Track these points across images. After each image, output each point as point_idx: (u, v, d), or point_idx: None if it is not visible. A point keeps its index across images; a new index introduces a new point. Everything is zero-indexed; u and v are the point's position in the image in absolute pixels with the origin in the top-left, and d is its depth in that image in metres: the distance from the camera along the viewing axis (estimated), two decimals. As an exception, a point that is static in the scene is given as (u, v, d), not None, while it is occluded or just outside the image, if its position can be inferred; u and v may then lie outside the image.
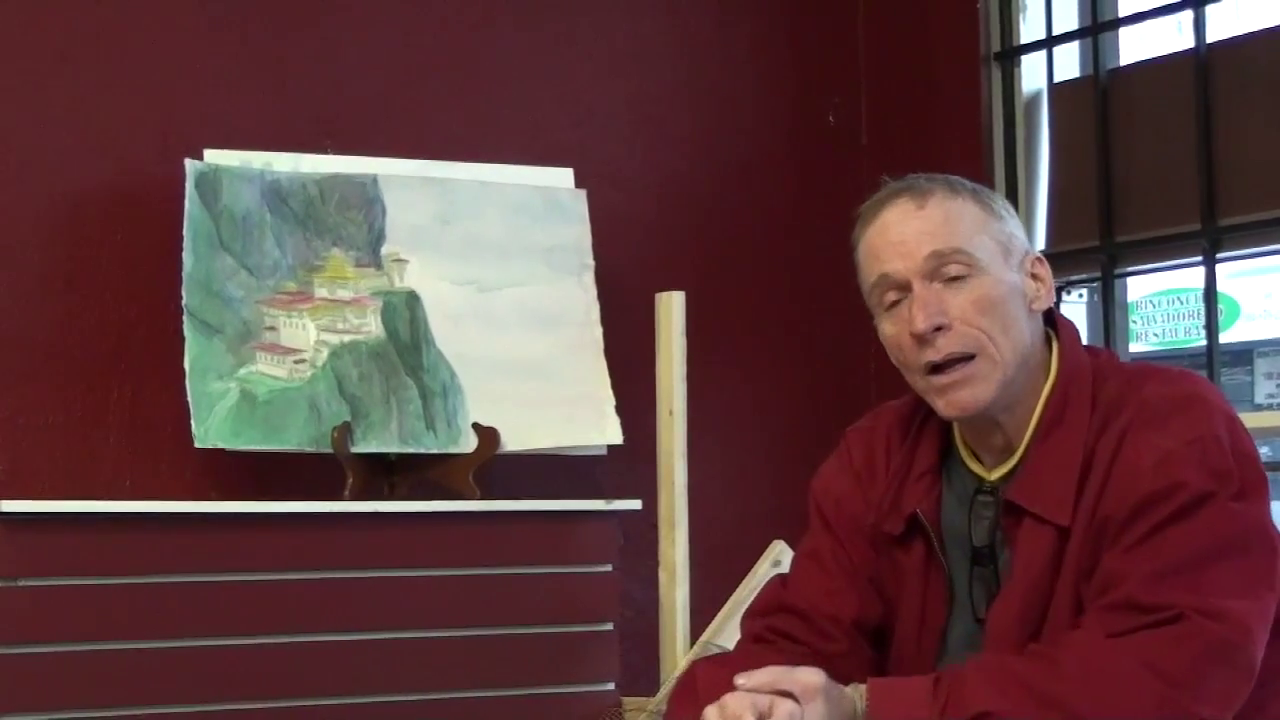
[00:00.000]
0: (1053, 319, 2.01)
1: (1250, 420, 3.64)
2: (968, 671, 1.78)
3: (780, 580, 2.17)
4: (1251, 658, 1.77)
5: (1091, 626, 1.78)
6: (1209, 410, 1.86)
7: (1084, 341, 2.04)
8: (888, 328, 1.97)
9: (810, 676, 1.78)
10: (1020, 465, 1.94)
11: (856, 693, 1.81)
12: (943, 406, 1.93)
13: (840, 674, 1.85)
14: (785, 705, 1.75)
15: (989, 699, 1.75)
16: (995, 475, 1.97)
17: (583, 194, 3.49)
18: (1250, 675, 1.78)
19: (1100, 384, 1.93)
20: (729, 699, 1.77)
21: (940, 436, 2.04)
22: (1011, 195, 3.78)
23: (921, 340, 1.91)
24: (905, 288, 1.93)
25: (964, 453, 2.02)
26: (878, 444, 2.10)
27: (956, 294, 1.91)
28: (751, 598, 2.26)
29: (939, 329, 1.90)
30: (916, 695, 1.78)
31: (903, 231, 1.94)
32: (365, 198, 3.32)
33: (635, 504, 3.26)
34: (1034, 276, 1.97)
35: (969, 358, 1.90)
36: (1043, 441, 1.92)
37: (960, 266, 1.91)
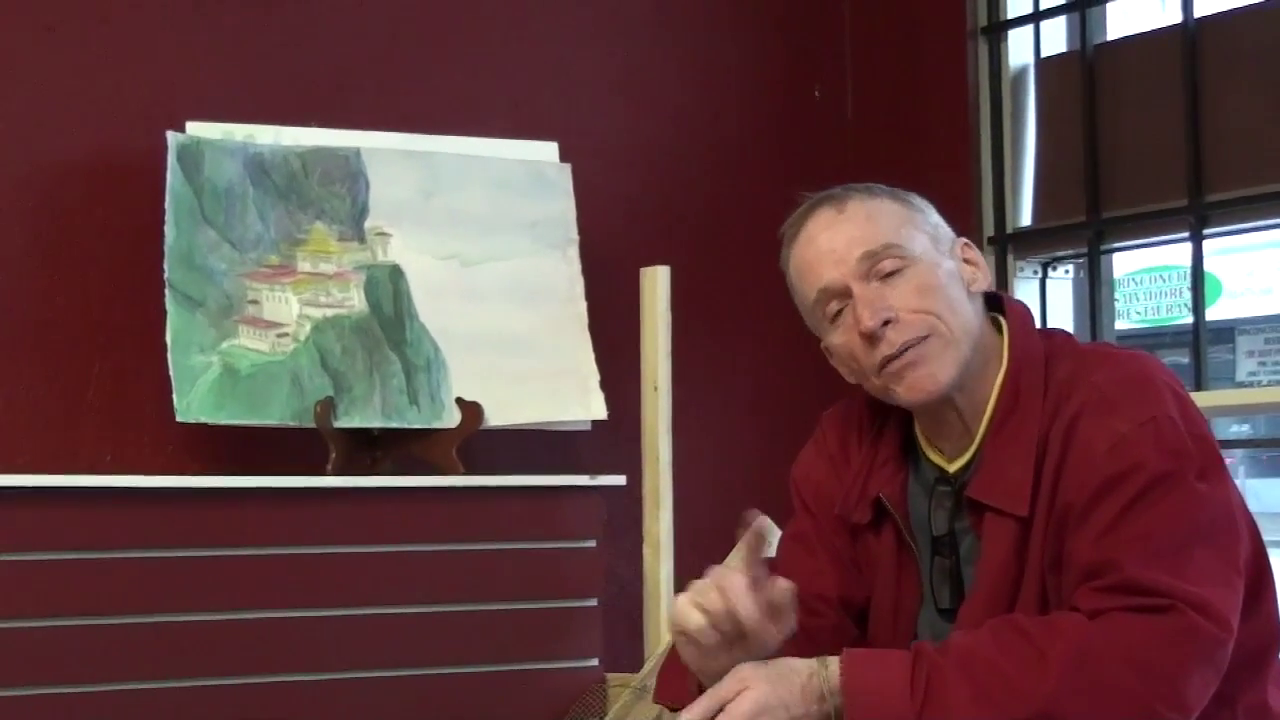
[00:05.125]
0: (1002, 305, 2.01)
1: (1231, 398, 3.68)
2: (949, 664, 1.77)
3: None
4: (1227, 655, 1.78)
5: (1086, 611, 1.77)
6: (1160, 392, 1.86)
7: (1039, 324, 2.05)
8: (836, 339, 1.97)
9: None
10: (977, 458, 1.94)
11: (824, 672, 1.80)
12: (903, 392, 1.93)
13: (827, 650, 1.85)
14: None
15: (971, 704, 1.73)
16: (954, 466, 1.97)
17: (567, 168, 3.48)
18: (1221, 674, 1.78)
19: (1052, 368, 1.93)
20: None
21: (904, 423, 2.05)
22: (998, 170, 3.77)
23: (872, 339, 1.91)
24: (845, 294, 1.93)
25: (924, 443, 2.02)
26: (850, 428, 2.11)
27: (895, 287, 1.92)
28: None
29: (887, 323, 1.90)
30: (894, 685, 1.77)
31: (831, 239, 1.95)
32: (348, 171, 3.30)
33: (619, 479, 3.25)
34: (966, 261, 1.98)
35: (921, 339, 1.91)
36: (998, 433, 1.92)
37: (894, 260, 1.92)
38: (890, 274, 1.92)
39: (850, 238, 1.93)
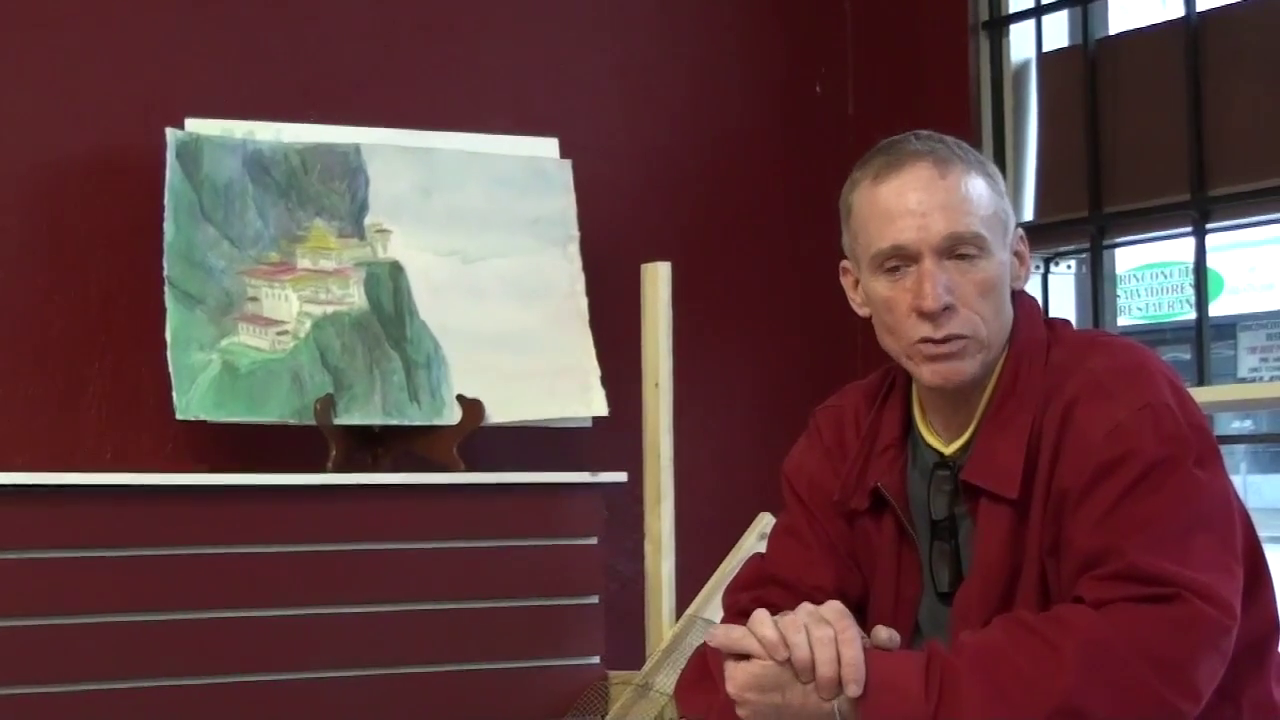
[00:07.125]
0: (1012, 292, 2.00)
1: (1233, 393, 3.66)
2: (962, 663, 1.76)
3: (760, 557, 2.18)
4: (1232, 641, 1.77)
5: (1091, 602, 1.76)
6: (1156, 379, 1.85)
7: (1045, 314, 2.04)
8: (882, 289, 1.93)
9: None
10: (973, 441, 1.93)
11: None
12: (928, 374, 1.92)
13: None
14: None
15: (988, 702, 1.72)
16: (951, 449, 1.97)
17: (568, 164, 3.47)
18: (1227, 660, 1.78)
19: (1048, 354, 1.93)
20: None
21: (903, 410, 2.03)
22: (999, 166, 3.76)
23: (923, 315, 1.89)
24: (914, 259, 1.89)
25: (922, 427, 2.01)
26: (846, 421, 2.09)
27: (964, 274, 1.88)
28: (738, 570, 2.25)
29: (946, 309, 1.88)
30: (908, 684, 1.76)
31: (924, 201, 1.88)
32: (348, 167, 3.30)
33: (620, 476, 3.24)
34: (1016, 254, 1.96)
35: (964, 338, 1.89)
36: (994, 417, 1.91)
37: (973, 249, 1.88)
38: (964, 258, 1.88)
39: (945, 210, 1.88)
